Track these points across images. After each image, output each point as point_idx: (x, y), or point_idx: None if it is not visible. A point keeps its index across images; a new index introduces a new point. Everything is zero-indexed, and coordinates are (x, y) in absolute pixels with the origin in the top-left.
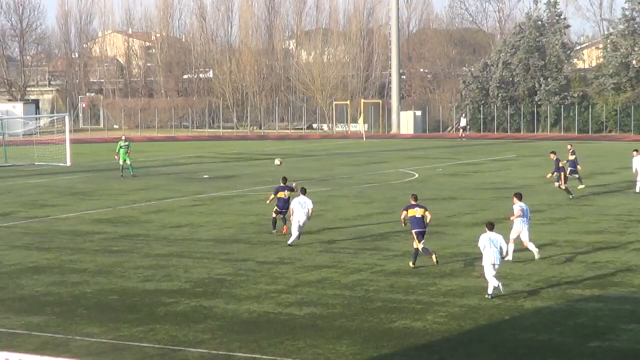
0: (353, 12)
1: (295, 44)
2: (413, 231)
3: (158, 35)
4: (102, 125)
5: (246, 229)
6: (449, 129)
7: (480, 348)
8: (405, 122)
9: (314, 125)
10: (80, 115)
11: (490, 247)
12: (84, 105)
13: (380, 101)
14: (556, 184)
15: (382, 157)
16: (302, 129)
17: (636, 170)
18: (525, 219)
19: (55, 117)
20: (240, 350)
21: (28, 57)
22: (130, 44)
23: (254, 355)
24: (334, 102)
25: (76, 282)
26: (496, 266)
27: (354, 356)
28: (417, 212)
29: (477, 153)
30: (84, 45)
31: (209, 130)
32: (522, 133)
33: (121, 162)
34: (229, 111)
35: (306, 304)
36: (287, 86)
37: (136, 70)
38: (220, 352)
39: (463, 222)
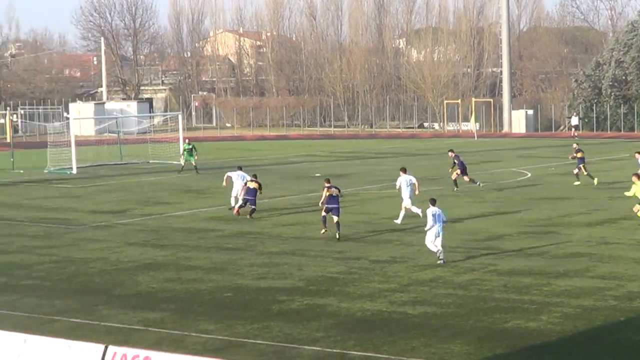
0: (463, 10)
1: (405, 43)
2: (327, 206)
3: (269, 34)
4: (214, 124)
5: (358, 227)
6: (560, 127)
7: (595, 349)
8: (516, 120)
9: (425, 124)
10: (193, 113)
11: (434, 221)
12: (196, 104)
13: (492, 100)
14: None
15: (493, 156)
16: (413, 127)
17: None
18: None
19: (168, 116)
20: (355, 348)
21: (141, 57)
22: (241, 43)
23: (367, 354)
24: (445, 101)
25: (191, 279)
26: (438, 237)
27: (468, 356)
28: (333, 191)
29: (590, 152)
30: (196, 45)
31: (320, 128)
32: (635, 132)
33: (183, 162)
34: (340, 110)
35: (419, 303)
36: (398, 85)
37: (247, 69)
38: (335, 350)
39: (577, 222)
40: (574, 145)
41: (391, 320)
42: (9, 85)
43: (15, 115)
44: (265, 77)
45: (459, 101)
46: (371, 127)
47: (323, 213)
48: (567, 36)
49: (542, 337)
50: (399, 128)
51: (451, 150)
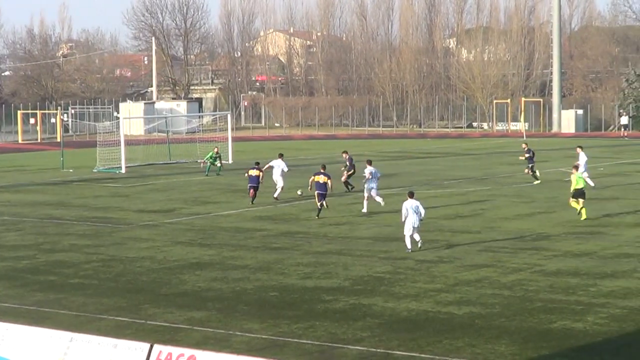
0: (514, 10)
1: (455, 43)
2: (317, 192)
3: (319, 34)
4: (263, 124)
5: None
6: (610, 127)
7: None
8: (566, 120)
9: (474, 124)
10: (242, 113)
11: (411, 212)
12: (245, 103)
13: (541, 99)
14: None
15: (542, 156)
16: (461, 127)
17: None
18: (374, 179)
19: (217, 115)
20: (399, 348)
21: (192, 56)
22: (291, 43)
23: (412, 354)
24: (494, 101)
25: (237, 278)
26: (415, 227)
27: (513, 356)
28: (322, 178)
29: (639, 152)
30: (246, 44)
31: (369, 128)
32: None
33: (204, 163)
34: (388, 109)
35: (465, 303)
36: (447, 85)
37: (297, 69)
38: (379, 350)
39: (625, 223)
40: (523, 146)
41: (436, 320)
42: (60, 85)
43: (65, 115)
44: (314, 77)
45: (509, 101)
46: (420, 126)
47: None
48: (619, 35)
49: (588, 338)
50: (448, 128)
51: (345, 152)
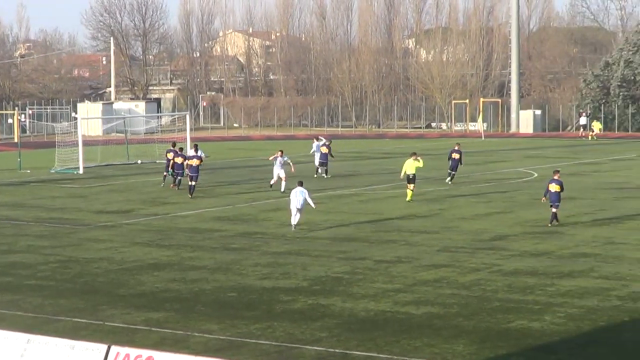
0: (473, 10)
1: (414, 43)
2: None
3: (278, 34)
4: (222, 124)
5: (363, 227)
6: (568, 128)
7: (598, 350)
8: (524, 121)
9: (433, 124)
10: (201, 113)
11: (296, 196)
12: (204, 103)
13: (500, 100)
14: None
15: (500, 156)
16: (420, 127)
17: None
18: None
19: (176, 116)
20: (357, 348)
21: (150, 57)
22: (250, 43)
23: (370, 354)
24: (453, 101)
25: (195, 279)
26: (298, 209)
27: (471, 356)
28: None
29: (597, 152)
30: (205, 45)
31: (328, 128)
32: None
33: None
34: (347, 110)
35: (423, 303)
36: (406, 85)
37: (256, 69)
38: (337, 350)
39: (582, 222)
40: (456, 147)
41: (395, 320)
42: (18, 86)
43: (23, 115)
44: (273, 77)
45: (467, 101)
46: (379, 127)
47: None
48: (577, 36)
49: (545, 337)
50: (407, 128)
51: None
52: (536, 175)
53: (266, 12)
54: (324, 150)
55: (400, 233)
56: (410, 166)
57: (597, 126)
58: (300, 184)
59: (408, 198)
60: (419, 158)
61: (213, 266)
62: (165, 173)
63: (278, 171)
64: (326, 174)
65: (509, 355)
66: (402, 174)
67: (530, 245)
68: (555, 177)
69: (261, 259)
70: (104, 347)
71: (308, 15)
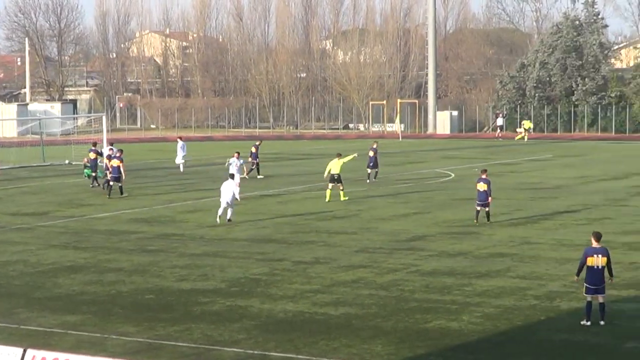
0: (390, 11)
1: (332, 44)
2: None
3: (195, 35)
4: (139, 125)
5: (282, 228)
6: (485, 129)
7: (515, 349)
8: (441, 122)
9: (350, 125)
10: (118, 115)
11: (226, 189)
12: (121, 105)
13: (417, 101)
14: None
15: (418, 157)
16: (338, 128)
17: None
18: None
19: (92, 117)
20: (276, 349)
21: (66, 57)
22: (167, 44)
23: (289, 355)
24: (371, 102)
25: (112, 281)
26: (228, 203)
27: (389, 356)
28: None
29: (513, 153)
30: (122, 46)
31: (246, 129)
32: (559, 133)
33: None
34: (265, 111)
35: (341, 304)
36: (324, 86)
37: (173, 70)
38: (256, 352)
39: (499, 223)
40: (374, 145)
41: (313, 321)
42: None
43: None
44: (190, 78)
45: (385, 102)
46: (296, 128)
47: None
48: (493, 37)
49: (463, 337)
50: (325, 129)
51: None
52: (453, 175)
53: (183, 12)
54: (253, 149)
55: (319, 234)
56: (335, 166)
57: (527, 124)
58: (232, 176)
59: (327, 199)
60: (344, 159)
61: (130, 268)
62: (93, 173)
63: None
64: (258, 173)
65: (427, 355)
66: (326, 173)
67: (448, 245)
68: (483, 176)
69: (179, 261)
70: (20, 350)
71: (225, 16)
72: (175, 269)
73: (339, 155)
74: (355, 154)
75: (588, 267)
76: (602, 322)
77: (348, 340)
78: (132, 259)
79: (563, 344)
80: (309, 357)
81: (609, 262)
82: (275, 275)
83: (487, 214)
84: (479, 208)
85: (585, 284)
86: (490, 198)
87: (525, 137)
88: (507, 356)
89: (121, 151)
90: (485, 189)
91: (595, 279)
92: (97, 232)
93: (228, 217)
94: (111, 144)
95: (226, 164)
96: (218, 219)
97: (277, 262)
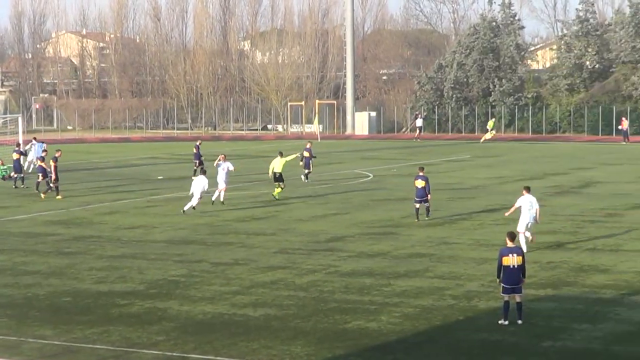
0: (308, 12)
1: (250, 45)
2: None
3: (112, 36)
4: (55, 127)
5: (200, 230)
6: (403, 129)
7: (434, 348)
8: (360, 123)
9: (269, 126)
10: (34, 116)
11: (201, 182)
12: (37, 106)
13: (335, 102)
14: None
15: (337, 157)
16: (256, 129)
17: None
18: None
19: (8, 118)
20: (195, 351)
21: None
22: (84, 45)
23: (208, 357)
24: (289, 103)
25: (29, 284)
26: (197, 200)
27: (308, 357)
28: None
29: (432, 154)
30: (38, 46)
31: (164, 131)
32: (476, 134)
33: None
34: (183, 112)
35: (260, 305)
36: (242, 87)
37: (90, 71)
38: (175, 354)
39: (417, 223)
40: (308, 145)
41: (232, 322)
42: None
43: None
44: (107, 79)
45: (303, 103)
46: (215, 129)
47: None
48: (411, 39)
49: (382, 337)
50: (243, 130)
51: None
52: (372, 176)
53: (100, 13)
54: (194, 150)
55: (237, 235)
56: (277, 164)
57: (490, 124)
58: (204, 172)
59: (275, 194)
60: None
61: (47, 271)
62: (15, 175)
63: (221, 179)
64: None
65: (347, 356)
66: (270, 172)
67: (366, 246)
68: (421, 174)
69: (96, 263)
70: None
71: (143, 16)
72: (92, 271)
73: (281, 154)
74: (298, 154)
75: (504, 266)
76: (519, 322)
77: (267, 342)
78: (49, 262)
79: (481, 344)
80: (228, 358)
81: (523, 262)
82: (194, 277)
83: (427, 209)
84: (417, 205)
85: (502, 284)
86: (429, 195)
87: (488, 136)
88: (426, 356)
89: (45, 151)
90: (424, 185)
91: (512, 279)
92: (13, 234)
93: (190, 205)
94: (34, 138)
95: (215, 163)
96: (184, 211)
97: (195, 264)
